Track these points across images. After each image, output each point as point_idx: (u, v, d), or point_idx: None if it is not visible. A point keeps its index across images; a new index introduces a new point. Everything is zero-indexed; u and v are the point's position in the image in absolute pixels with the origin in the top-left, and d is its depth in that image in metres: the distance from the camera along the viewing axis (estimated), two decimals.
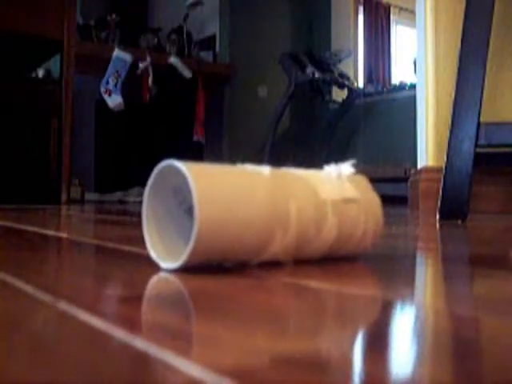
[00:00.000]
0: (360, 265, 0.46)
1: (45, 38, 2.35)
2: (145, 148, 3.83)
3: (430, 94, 1.72)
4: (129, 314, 0.27)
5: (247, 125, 3.92)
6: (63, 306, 0.28)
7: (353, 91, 3.79)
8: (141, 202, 0.43)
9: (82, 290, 0.34)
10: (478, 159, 1.30)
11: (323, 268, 0.42)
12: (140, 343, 0.21)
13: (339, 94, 3.98)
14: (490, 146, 1.34)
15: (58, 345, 0.21)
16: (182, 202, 0.42)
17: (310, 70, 3.56)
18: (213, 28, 4.02)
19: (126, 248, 0.56)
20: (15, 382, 0.17)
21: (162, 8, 4.36)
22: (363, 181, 0.48)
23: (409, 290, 0.37)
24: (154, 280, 0.37)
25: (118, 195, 3.84)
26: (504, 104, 1.63)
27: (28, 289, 0.32)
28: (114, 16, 3.73)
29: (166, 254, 0.40)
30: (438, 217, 1.31)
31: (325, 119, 4.05)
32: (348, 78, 3.80)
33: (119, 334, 0.22)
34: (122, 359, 0.19)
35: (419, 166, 1.77)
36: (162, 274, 0.38)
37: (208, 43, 4.02)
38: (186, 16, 3.90)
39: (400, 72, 4.63)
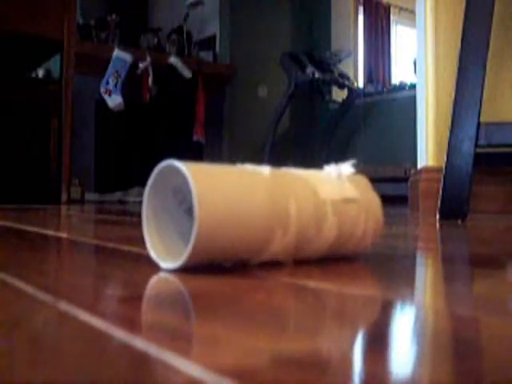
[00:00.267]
0: (360, 265, 0.46)
1: (45, 37, 2.35)
2: (145, 148, 3.83)
3: (430, 93, 1.72)
4: (129, 314, 0.27)
5: (247, 125, 3.92)
6: (63, 306, 0.28)
7: (353, 91, 3.79)
8: (141, 202, 0.43)
9: (82, 290, 0.34)
10: (478, 159, 1.30)
11: (323, 268, 0.42)
12: (140, 343, 0.21)
13: (339, 94, 3.98)
14: (489, 146, 1.34)
15: (58, 345, 0.21)
16: (181, 201, 0.42)
17: (310, 70, 3.56)
18: (213, 28, 4.02)
19: (126, 248, 0.56)
20: (15, 382, 0.17)
21: (161, 8, 4.36)
22: (363, 181, 0.48)
23: (409, 289, 0.37)
24: (153, 280, 0.37)
25: (117, 195, 3.84)
26: (504, 104, 1.63)
27: (28, 289, 0.32)
28: (113, 16, 3.73)
29: (165, 254, 0.40)
30: (437, 217, 1.31)
31: (325, 119, 4.05)
32: (348, 78, 3.80)
33: (119, 334, 0.22)
34: (122, 359, 0.19)
35: (419, 165, 1.77)
36: (161, 274, 0.38)
37: (208, 43, 4.02)
38: (186, 16, 3.90)
39: (400, 72, 4.63)
